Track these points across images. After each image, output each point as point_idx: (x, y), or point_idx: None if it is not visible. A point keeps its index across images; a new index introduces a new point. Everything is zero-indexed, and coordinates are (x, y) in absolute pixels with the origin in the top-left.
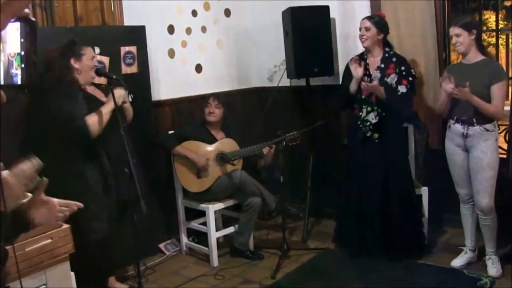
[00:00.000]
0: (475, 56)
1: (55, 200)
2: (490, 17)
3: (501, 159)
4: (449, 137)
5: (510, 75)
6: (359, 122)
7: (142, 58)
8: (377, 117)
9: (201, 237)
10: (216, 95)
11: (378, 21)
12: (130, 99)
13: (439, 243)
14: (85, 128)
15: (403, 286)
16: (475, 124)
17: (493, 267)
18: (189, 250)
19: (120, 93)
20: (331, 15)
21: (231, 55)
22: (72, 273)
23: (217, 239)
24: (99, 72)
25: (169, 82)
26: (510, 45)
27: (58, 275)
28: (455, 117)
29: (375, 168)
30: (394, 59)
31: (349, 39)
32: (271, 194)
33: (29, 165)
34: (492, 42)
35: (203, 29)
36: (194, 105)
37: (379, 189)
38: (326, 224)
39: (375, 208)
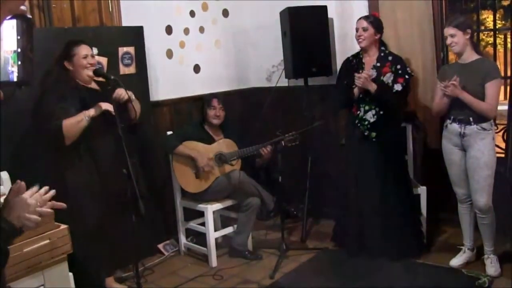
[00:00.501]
0: (470, 56)
1: (25, 194)
2: (488, 17)
3: (499, 158)
4: (446, 136)
5: (508, 74)
6: (357, 121)
7: (140, 59)
8: (375, 116)
9: (199, 237)
10: (217, 96)
11: (374, 20)
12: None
13: (437, 242)
14: (59, 130)
15: (402, 286)
16: (472, 123)
17: (492, 266)
18: (188, 251)
19: (119, 92)
20: (329, 15)
21: (229, 55)
22: (71, 274)
23: (216, 239)
24: (97, 73)
25: (167, 83)
26: (508, 44)
27: (56, 275)
28: (452, 117)
29: (372, 167)
30: (390, 58)
31: (347, 39)
32: (270, 194)
33: (43, 192)
34: (490, 42)
35: (201, 29)
36: (193, 105)
37: (377, 188)
38: (325, 224)
39: (374, 207)
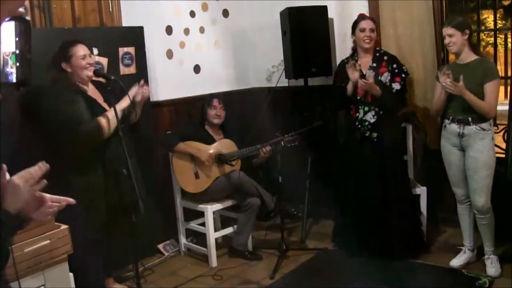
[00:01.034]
0: (468, 56)
1: (47, 196)
2: (488, 17)
3: (499, 158)
4: (445, 137)
5: (509, 74)
6: (357, 123)
7: (140, 59)
8: (375, 117)
9: (199, 237)
10: (218, 96)
11: (375, 22)
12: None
13: (437, 242)
14: (98, 131)
15: (402, 286)
16: (471, 124)
17: (492, 267)
18: (188, 251)
19: (144, 91)
20: (329, 15)
21: (229, 56)
22: (71, 274)
23: (216, 239)
24: (97, 73)
25: (167, 83)
26: (509, 44)
27: (56, 275)
28: (451, 117)
29: (372, 167)
30: (385, 58)
31: (347, 39)
32: (270, 194)
33: (35, 168)
34: (491, 42)
35: (201, 29)
36: (193, 105)
37: (378, 188)
38: (325, 224)
39: (373, 208)
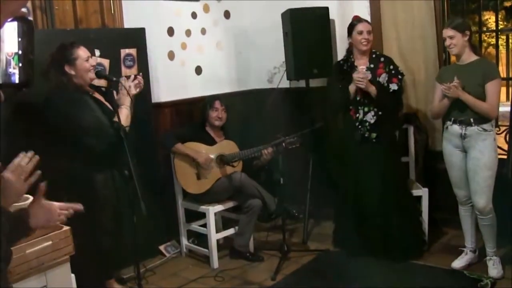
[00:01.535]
0: (469, 57)
1: (56, 204)
2: (490, 18)
3: (501, 159)
4: (447, 138)
5: (510, 76)
6: (357, 124)
7: (142, 60)
8: (374, 117)
9: (201, 238)
10: (220, 98)
11: (370, 23)
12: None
13: (439, 244)
14: (123, 131)
15: (404, 287)
16: (473, 124)
17: (494, 268)
18: (189, 252)
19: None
20: (331, 17)
21: (231, 57)
22: (73, 275)
23: (217, 240)
24: (99, 75)
25: (169, 84)
26: (510, 45)
27: (58, 277)
28: (452, 118)
29: (373, 168)
30: (382, 59)
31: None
32: (271, 195)
33: (26, 160)
34: (492, 43)
35: (203, 31)
36: (194, 107)
37: (378, 189)
38: (326, 225)
39: (374, 208)
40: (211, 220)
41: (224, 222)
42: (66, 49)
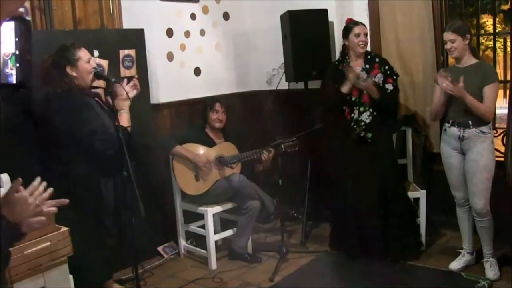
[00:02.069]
0: (468, 60)
1: (25, 192)
2: (487, 21)
3: (498, 162)
4: (445, 140)
5: (508, 78)
6: (352, 123)
7: (141, 61)
8: (370, 117)
9: (199, 240)
10: (220, 99)
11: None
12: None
13: (437, 245)
14: (128, 134)
15: None
16: (471, 127)
17: (491, 270)
18: (188, 253)
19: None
20: (329, 19)
21: (230, 59)
22: (71, 276)
23: (216, 242)
24: (98, 75)
25: (168, 85)
26: (508, 48)
27: (56, 277)
28: (451, 120)
29: (368, 167)
30: (377, 60)
31: None
32: (270, 197)
33: (42, 188)
34: (490, 46)
35: (202, 32)
36: (193, 108)
37: (374, 189)
38: (325, 226)
39: (371, 208)
40: (210, 221)
41: (222, 223)
42: (68, 50)
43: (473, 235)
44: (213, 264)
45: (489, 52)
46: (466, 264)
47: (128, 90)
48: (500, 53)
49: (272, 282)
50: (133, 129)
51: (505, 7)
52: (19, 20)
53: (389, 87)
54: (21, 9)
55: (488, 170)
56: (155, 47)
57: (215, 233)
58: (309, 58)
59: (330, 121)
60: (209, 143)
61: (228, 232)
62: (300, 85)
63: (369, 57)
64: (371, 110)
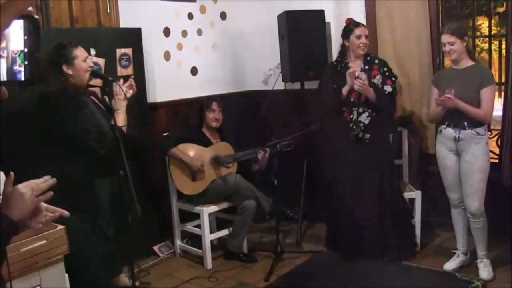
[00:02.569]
0: (465, 62)
1: (43, 205)
2: (483, 23)
3: (493, 163)
4: (441, 141)
5: (503, 80)
6: (351, 124)
7: (138, 60)
8: (368, 118)
9: (195, 239)
10: (217, 99)
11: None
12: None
13: (432, 246)
14: (123, 134)
15: None
16: (467, 128)
17: (485, 270)
18: (183, 253)
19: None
20: (326, 20)
21: (227, 58)
22: (66, 275)
23: (211, 241)
24: (94, 74)
25: (165, 84)
26: (503, 50)
27: (52, 276)
28: (447, 122)
29: (366, 169)
30: (376, 61)
31: None
32: (266, 197)
33: (42, 181)
34: (485, 48)
35: (199, 31)
36: (189, 107)
37: (371, 189)
38: (320, 226)
39: (367, 210)
40: (206, 221)
41: (218, 223)
42: (65, 48)
43: (468, 236)
44: (209, 264)
45: (485, 54)
46: (460, 264)
47: (124, 90)
48: (495, 55)
49: (267, 282)
50: (130, 128)
51: (501, 9)
52: (28, 19)
53: (388, 88)
54: (30, 8)
55: (483, 171)
56: (152, 46)
57: (211, 232)
58: (305, 59)
59: (327, 121)
60: (206, 143)
61: (224, 232)
62: (297, 85)
63: (368, 58)
64: (370, 111)
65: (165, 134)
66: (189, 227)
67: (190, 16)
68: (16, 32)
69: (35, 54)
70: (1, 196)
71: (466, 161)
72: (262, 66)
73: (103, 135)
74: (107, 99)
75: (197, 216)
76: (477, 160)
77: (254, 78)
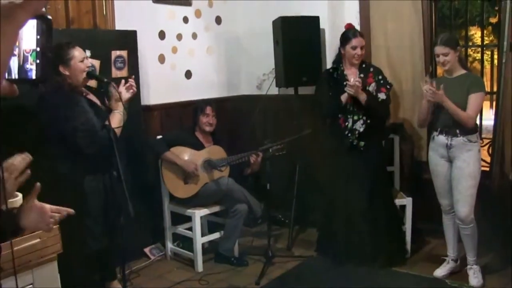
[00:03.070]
0: (457, 71)
1: (47, 206)
2: (475, 33)
3: (484, 171)
4: (433, 148)
5: (494, 90)
6: (346, 132)
7: (133, 63)
8: (363, 126)
9: (186, 242)
10: (211, 103)
11: (364, 37)
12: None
13: (422, 252)
14: (115, 135)
15: None
16: (459, 135)
17: (475, 277)
18: (174, 255)
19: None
20: (321, 26)
21: (221, 62)
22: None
23: (203, 244)
24: (90, 75)
25: (159, 87)
26: (495, 60)
27: (45, 275)
28: (439, 129)
29: (358, 176)
30: (371, 69)
31: None
32: (258, 201)
33: (19, 159)
34: (478, 58)
35: (194, 35)
36: (183, 110)
37: (364, 196)
38: (311, 232)
39: (359, 216)
40: (197, 224)
41: (209, 226)
42: (62, 49)
43: (458, 243)
44: (200, 267)
45: (477, 64)
46: (450, 271)
47: (123, 91)
48: (487, 65)
49: (258, 286)
50: (124, 130)
51: (494, 20)
52: (41, 19)
53: (382, 96)
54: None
55: (473, 177)
56: (147, 49)
57: (202, 235)
58: (299, 64)
59: (322, 127)
60: (199, 146)
61: (215, 235)
62: (290, 91)
63: (364, 65)
64: (364, 118)
65: (158, 137)
66: (181, 229)
67: (186, 19)
68: (28, 31)
69: (47, 53)
70: None
71: (457, 167)
72: (256, 71)
73: (91, 134)
74: (106, 100)
75: (188, 219)
76: (468, 166)
77: (248, 82)
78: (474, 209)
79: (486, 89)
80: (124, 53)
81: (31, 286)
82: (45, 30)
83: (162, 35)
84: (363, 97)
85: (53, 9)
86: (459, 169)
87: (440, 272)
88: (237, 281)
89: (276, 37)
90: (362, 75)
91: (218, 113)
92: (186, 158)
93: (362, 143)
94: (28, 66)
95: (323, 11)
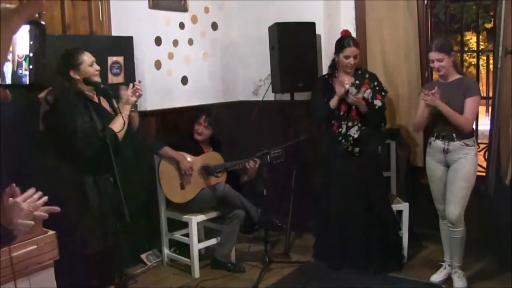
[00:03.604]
0: (452, 75)
1: (19, 198)
2: (471, 38)
3: (479, 176)
4: (430, 153)
5: (490, 95)
6: (340, 138)
7: (129, 69)
8: (358, 132)
9: (182, 248)
10: (209, 112)
11: (359, 46)
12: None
13: (419, 258)
14: (115, 139)
15: None
16: (455, 139)
17: (459, 281)
18: (171, 261)
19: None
20: (317, 32)
21: (217, 68)
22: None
23: (199, 250)
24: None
25: (155, 93)
26: (490, 65)
27: (42, 281)
28: (436, 133)
29: (354, 181)
30: (367, 75)
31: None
32: (254, 207)
33: (37, 196)
34: (473, 63)
35: (190, 41)
36: (179, 116)
37: (359, 202)
38: (308, 237)
39: (355, 221)
40: (194, 230)
41: (206, 232)
42: (71, 54)
43: None
44: (196, 273)
45: (472, 69)
46: (447, 276)
47: (129, 95)
48: (482, 70)
49: None
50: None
51: (489, 25)
52: (35, 24)
53: (378, 103)
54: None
55: (467, 179)
56: (143, 54)
57: (199, 241)
58: (295, 70)
59: (317, 133)
60: (196, 152)
61: (212, 241)
62: (286, 96)
63: (359, 72)
64: (359, 125)
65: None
66: (177, 235)
67: (182, 25)
68: (22, 36)
69: (41, 59)
70: None
71: (452, 169)
72: (252, 76)
73: (85, 136)
74: (115, 103)
75: (185, 224)
76: (463, 168)
77: (244, 88)
78: (469, 214)
79: (482, 94)
80: (120, 59)
81: None
82: (39, 35)
83: (158, 41)
84: (364, 108)
85: (49, 15)
86: (454, 171)
87: (437, 277)
88: (234, 287)
89: (272, 43)
90: (357, 82)
91: (214, 120)
92: None
93: (357, 149)
94: (21, 71)
95: (319, 17)
